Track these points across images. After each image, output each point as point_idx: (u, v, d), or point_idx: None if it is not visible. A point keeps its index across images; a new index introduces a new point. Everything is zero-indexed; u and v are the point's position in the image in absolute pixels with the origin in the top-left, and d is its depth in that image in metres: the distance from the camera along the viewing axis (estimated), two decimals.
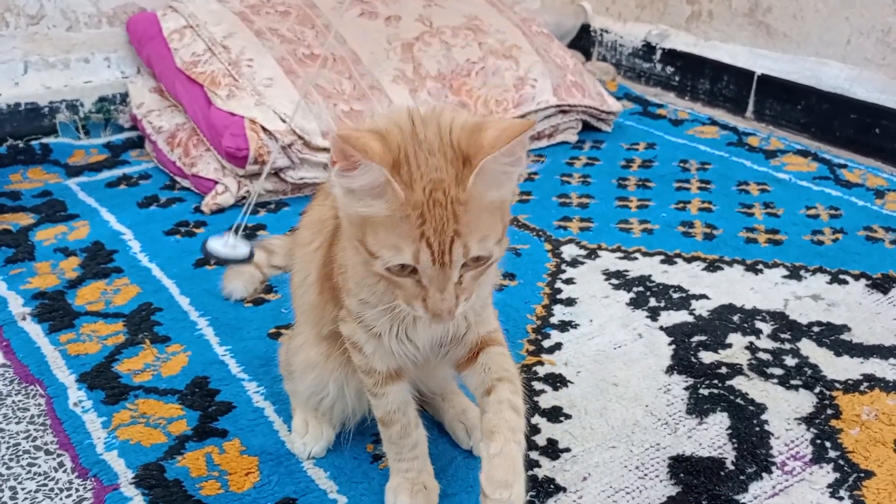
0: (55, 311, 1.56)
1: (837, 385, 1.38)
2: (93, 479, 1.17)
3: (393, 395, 1.09)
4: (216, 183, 1.99)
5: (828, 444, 1.25)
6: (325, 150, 1.99)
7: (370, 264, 0.89)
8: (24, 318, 1.54)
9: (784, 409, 1.33)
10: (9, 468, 1.19)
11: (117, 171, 2.19)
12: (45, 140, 2.31)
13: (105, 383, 1.37)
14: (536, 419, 1.30)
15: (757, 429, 1.28)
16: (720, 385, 1.38)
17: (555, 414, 1.31)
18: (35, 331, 1.51)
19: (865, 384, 1.38)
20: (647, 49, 2.93)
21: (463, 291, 0.89)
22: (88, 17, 2.37)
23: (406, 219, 0.84)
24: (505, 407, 0.99)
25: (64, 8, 2.32)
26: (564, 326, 1.54)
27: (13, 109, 2.29)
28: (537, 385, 1.38)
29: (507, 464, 0.94)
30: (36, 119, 2.33)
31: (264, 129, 1.94)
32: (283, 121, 1.96)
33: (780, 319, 1.56)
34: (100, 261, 1.74)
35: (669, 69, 2.87)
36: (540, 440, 1.25)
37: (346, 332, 1.08)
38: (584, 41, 3.14)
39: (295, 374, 1.22)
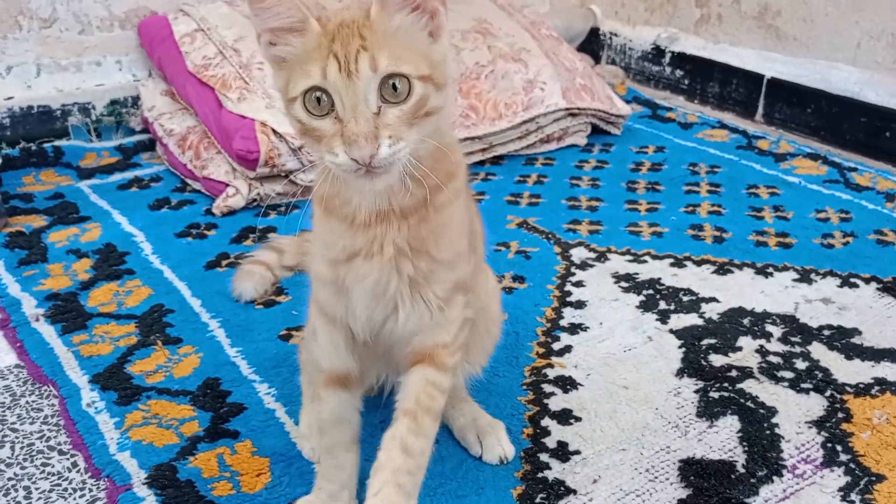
0: (68, 313, 1.57)
1: (848, 388, 1.38)
2: (106, 480, 1.18)
3: (332, 403, 1.06)
4: (227, 185, 2.00)
5: (839, 448, 1.25)
6: None
7: (291, 113, 0.87)
8: (37, 320, 1.56)
9: (795, 413, 1.32)
10: (23, 468, 1.20)
11: (129, 174, 2.21)
12: (57, 143, 2.33)
13: (118, 384, 1.37)
14: (546, 421, 1.30)
15: (767, 432, 1.28)
16: (730, 388, 1.38)
17: (565, 416, 1.31)
18: (48, 332, 1.52)
19: (876, 388, 1.38)
20: (657, 52, 2.93)
21: (386, 127, 0.84)
22: (100, 20, 2.39)
23: (318, 47, 0.85)
24: (395, 445, 0.99)
25: (76, 11, 2.34)
26: (574, 329, 1.54)
27: (26, 112, 2.31)
28: (547, 388, 1.38)
29: None
30: (48, 122, 2.35)
31: (275, 132, 1.95)
32: None
33: (791, 323, 1.56)
34: (112, 262, 1.75)
35: (679, 72, 2.87)
36: (550, 442, 1.26)
37: (310, 321, 1.06)
38: (593, 45, 3.15)
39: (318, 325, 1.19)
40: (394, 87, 0.84)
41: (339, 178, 0.91)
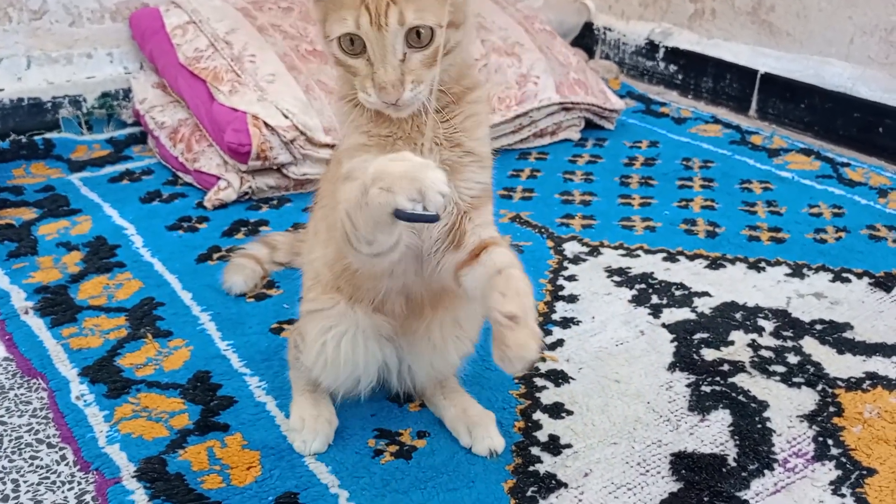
0: (57, 306, 1.56)
1: (840, 383, 1.38)
2: (95, 473, 1.17)
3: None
4: (219, 178, 1.99)
5: (830, 442, 1.25)
6: (328, 146, 1.99)
7: (329, 49, 0.99)
8: (26, 312, 1.54)
9: (786, 407, 1.32)
10: (11, 461, 1.20)
11: (120, 167, 2.19)
12: (47, 135, 2.32)
13: (107, 377, 1.36)
14: (538, 415, 1.30)
15: (759, 426, 1.28)
16: (722, 382, 1.38)
17: (556, 410, 1.31)
18: (37, 325, 1.51)
19: (868, 382, 1.38)
20: (650, 47, 2.93)
21: (411, 72, 0.96)
22: (91, 12, 2.37)
23: None
24: (515, 276, 0.99)
25: (66, 3, 2.33)
26: (566, 323, 1.54)
27: (16, 104, 2.29)
28: (539, 381, 1.38)
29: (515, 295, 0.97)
30: (39, 114, 2.33)
31: (266, 125, 1.94)
32: (286, 116, 1.96)
33: (783, 317, 1.56)
34: (102, 255, 1.74)
35: (672, 67, 2.87)
36: (541, 436, 1.25)
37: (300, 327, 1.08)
38: (587, 39, 3.14)
39: (306, 338, 1.21)
40: (417, 34, 0.95)
41: None
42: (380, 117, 1.03)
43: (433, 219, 0.90)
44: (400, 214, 0.89)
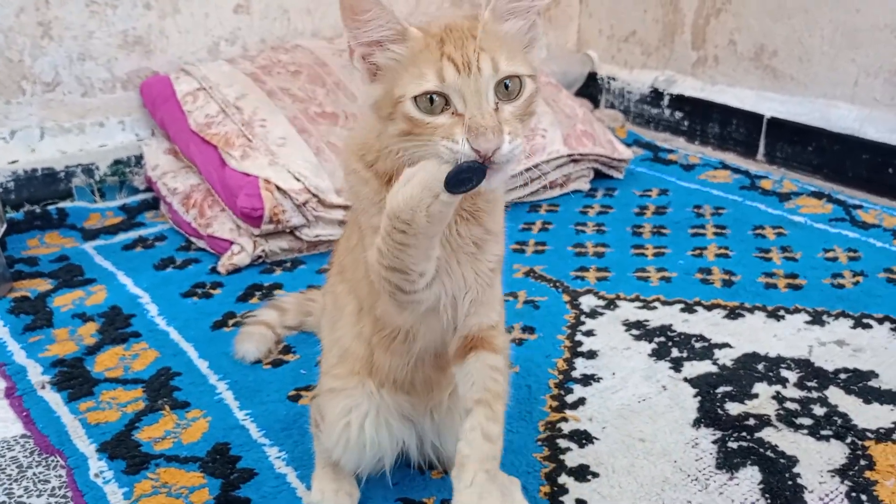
0: (74, 379, 1.55)
1: (869, 434, 1.35)
2: None
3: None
4: (232, 243, 2.00)
5: (863, 497, 1.22)
6: (340, 207, 1.99)
7: (401, 111, 0.88)
8: (43, 387, 1.54)
9: (816, 461, 1.30)
10: None
11: (133, 234, 2.20)
12: (61, 204, 2.34)
13: (126, 452, 1.35)
14: (563, 478, 1.27)
15: (790, 482, 1.25)
16: (749, 437, 1.35)
17: (582, 473, 1.29)
18: (55, 399, 1.50)
19: None
20: (655, 95, 2.95)
21: (507, 122, 0.86)
22: (103, 82, 2.41)
23: (426, 48, 0.88)
24: (476, 435, 1.02)
25: (79, 74, 2.36)
26: (587, 380, 1.52)
27: (30, 175, 2.32)
28: (562, 442, 1.36)
29: (477, 493, 0.99)
30: (52, 184, 2.35)
31: (279, 189, 1.95)
32: (298, 179, 1.97)
33: (806, 367, 1.54)
34: (118, 325, 1.74)
35: (678, 114, 2.88)
36: (568, 501, 1.23)
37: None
38: (591, 89, 3.17)
39: (326, 418, 1.18)
40: (506, 86, 0.88)
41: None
42: None
43: (479, 166, 0.84)
44: (450, 182, 0.84)
